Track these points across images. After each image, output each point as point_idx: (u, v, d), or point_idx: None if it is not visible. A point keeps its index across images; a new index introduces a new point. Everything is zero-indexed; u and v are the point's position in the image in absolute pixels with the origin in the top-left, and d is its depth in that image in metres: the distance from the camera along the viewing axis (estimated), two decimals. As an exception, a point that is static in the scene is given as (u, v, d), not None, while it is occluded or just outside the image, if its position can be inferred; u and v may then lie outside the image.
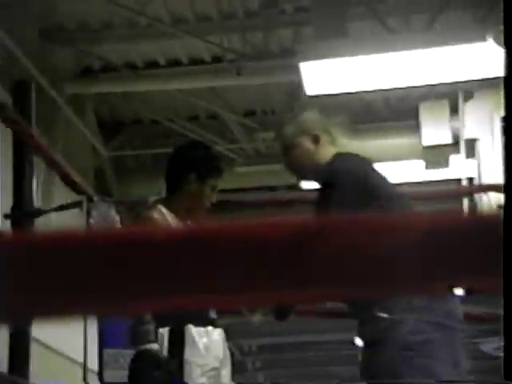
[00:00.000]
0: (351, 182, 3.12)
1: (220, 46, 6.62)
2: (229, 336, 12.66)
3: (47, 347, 5.99)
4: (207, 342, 3.21)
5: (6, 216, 4.06)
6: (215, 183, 3.40)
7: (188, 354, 3.13)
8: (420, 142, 6.50)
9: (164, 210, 3.32)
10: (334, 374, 13.01)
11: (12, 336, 3.90)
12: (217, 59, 6.98)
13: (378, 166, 6.58)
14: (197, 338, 3.17)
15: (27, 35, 6.35)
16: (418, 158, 6.66)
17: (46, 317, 0.82)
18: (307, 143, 3.30)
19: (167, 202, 3.37)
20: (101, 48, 6.73)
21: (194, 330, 3.17)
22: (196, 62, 7.16)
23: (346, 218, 0.74)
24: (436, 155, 6.49)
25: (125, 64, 7.14)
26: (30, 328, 3.96)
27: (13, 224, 4.05)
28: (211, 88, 7.35)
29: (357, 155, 3.43)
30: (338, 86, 5.74)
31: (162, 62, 7.18)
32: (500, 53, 4.76)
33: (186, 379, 3.11)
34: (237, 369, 14.56)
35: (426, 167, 6.64)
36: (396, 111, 7.52)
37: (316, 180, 3.32)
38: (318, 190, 3.28)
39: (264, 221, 0.72)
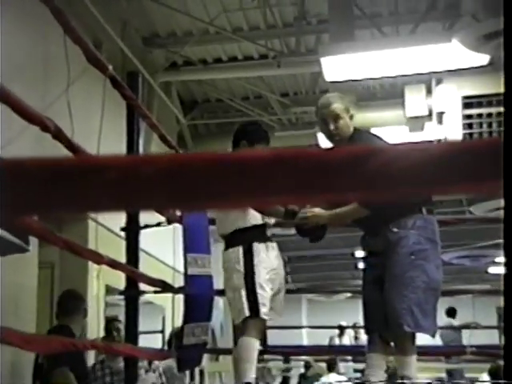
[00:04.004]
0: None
1: (265, 47, 6.58)
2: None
3: (149, 255, 6.10)
4: (267, 252, 3.24)
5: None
6: (263, 147, 3.24)
7: (256, 260, 3.19)
8: (405, 114, 6.42)
9: None
10: (342, 276, 13.17)
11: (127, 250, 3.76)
12: (263, 56, 6.97)
13: (375, 131, 6.51)
14: (260, 250, 3.21)
15: (135, 41, 6.41)
16: (403, 125, 6.57)
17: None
18: (347, 118, 3.13)
19: None
20: (183, 49, 6.72)
21: (257, 245, 3.20)
22: (248, 58, 7.15)
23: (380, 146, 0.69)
24: (416, 123, 6.41)
25: (199, 60, 7.15)
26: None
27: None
28: (259, 76, 7.35)
29: (365, 129, 3.36)
30: (347, 75, 5.62)
31: (224, 58, 7.19)
32: (460, 50, 4.72)
33: (256, 277, 3.16)
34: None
35: (410, 131, 6.55)
36: (388, 92, 7.44)
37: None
38: None
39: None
